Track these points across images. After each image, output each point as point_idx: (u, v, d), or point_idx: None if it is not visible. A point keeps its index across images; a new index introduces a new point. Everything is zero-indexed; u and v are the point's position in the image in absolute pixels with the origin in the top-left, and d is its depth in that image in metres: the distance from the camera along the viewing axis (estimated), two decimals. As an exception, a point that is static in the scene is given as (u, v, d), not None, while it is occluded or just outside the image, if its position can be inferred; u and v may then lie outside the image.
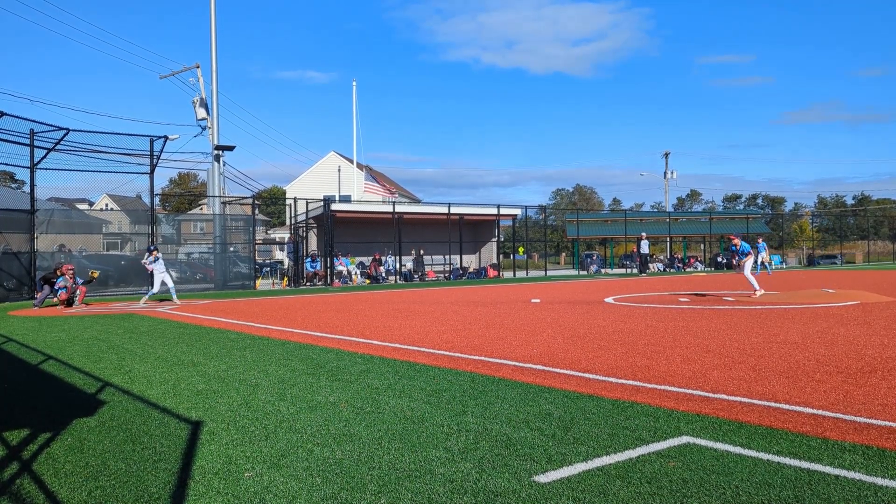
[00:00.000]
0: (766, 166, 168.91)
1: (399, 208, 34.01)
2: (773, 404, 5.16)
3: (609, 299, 17.03)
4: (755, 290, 16.56)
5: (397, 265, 32.18)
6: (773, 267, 38.68)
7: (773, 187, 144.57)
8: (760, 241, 33.76)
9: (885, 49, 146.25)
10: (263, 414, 5.30)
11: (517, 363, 7.30)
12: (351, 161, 46.72)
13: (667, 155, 62.90)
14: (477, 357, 7.81)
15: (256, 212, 30.08)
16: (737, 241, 17.73)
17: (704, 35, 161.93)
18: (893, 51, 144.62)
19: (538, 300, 17.04)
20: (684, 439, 4.30)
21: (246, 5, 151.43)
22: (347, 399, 5.72)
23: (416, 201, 61.81)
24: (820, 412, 4.89)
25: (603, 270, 43.36)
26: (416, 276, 32.80)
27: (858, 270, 37.21)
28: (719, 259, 45.36)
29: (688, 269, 42.62)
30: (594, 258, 45.54)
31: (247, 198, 31.78)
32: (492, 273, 35.28)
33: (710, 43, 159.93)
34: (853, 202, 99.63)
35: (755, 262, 34.21)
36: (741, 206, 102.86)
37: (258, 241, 32.78)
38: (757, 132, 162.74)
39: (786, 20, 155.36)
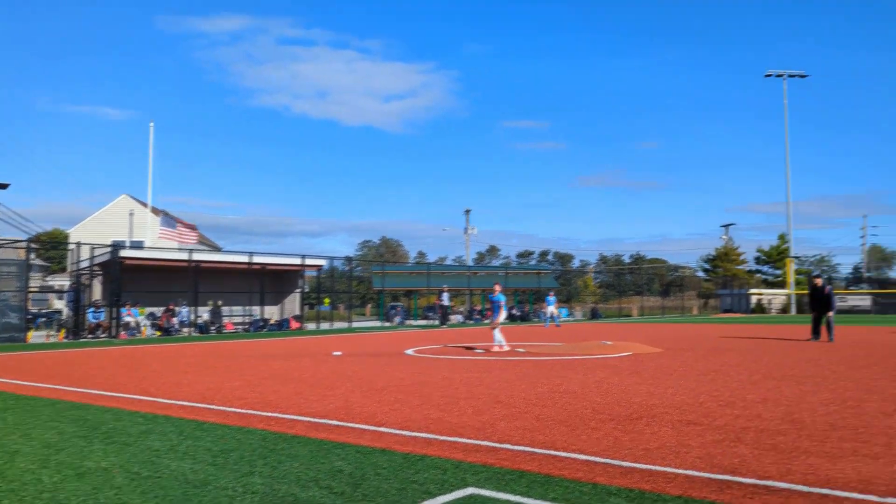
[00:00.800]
0: (557, 225, 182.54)
1: (197, 256, 32.37)
2: (552, 452, 5.48)
3: (410, 351, 17.29)
4: (500, 346, 16.85)
5: (192, 316, 30.50)
6: (561, 319, 41.47)
7: (562, 245, 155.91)
8: (551, 294, 36.19)
9: (660, 124, 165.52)
10: (20, 484, 4.73)
11: (312, 419, 7.16)
12: (145, 205, 43.98)
13: (468, 212, 66.11)
14: (270, 414, 7.56)
15: (32, 256, 27.29)
16: (497, 287, 17.81)
17: (505, 99, 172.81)
18: (667, 126, 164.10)
19: (340, 353, 16.91)
20: (469, 490, 4.42)
21: (32, 31, 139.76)
22: (122, 464, 5.28)
23: (217, 249, 59.31)
24: (592, 458, 5.26)
25: (407, 322, 44.06)
26: (212, 328, 31.28)
27: (633, 323, 40.89)
28: (513, 311, 47.86)
29: (485, 321, 44.44)
30: (398, 310, 46.24)
31: (21, 241, 28.79)
32: (294, 325, 34.51)
33: (510, 107, 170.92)
34: (630, 260, 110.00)
35: (546, 315, 36.45)
36: (534, 262, 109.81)
37: (33, 289, 29.67)
38: (551, 193, 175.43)
39: (573, 90, 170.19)
